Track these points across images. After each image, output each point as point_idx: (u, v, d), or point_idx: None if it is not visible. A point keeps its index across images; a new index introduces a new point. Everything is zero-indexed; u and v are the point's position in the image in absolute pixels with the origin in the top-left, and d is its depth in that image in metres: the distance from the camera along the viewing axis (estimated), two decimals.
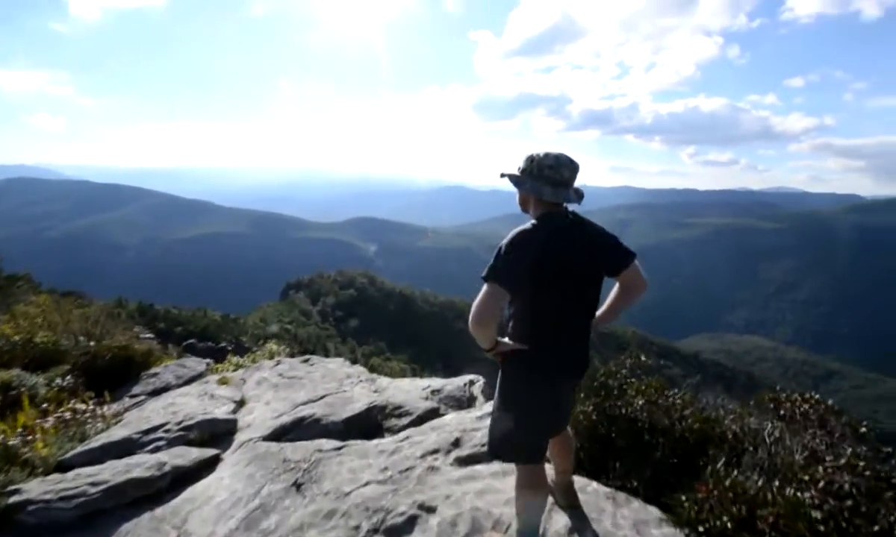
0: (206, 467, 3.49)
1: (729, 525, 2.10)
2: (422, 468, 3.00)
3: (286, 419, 4.03)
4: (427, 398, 4.42)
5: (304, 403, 4.34)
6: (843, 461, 2.10)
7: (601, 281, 2.11)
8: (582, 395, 3.34)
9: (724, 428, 3.02)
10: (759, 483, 2.29)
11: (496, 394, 2.16)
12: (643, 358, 3.68)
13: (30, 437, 3.72)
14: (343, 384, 4.86)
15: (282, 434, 3.86)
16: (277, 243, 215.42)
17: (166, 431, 3.84)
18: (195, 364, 6.16)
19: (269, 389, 4.92)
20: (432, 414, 4.10)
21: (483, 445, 3.11)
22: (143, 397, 5.12)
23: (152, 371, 5.77)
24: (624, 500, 2.57)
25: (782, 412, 2.85)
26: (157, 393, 5.22)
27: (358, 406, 4.20)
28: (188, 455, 3.50)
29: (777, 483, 2.29)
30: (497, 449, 2.19)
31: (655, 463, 2.92)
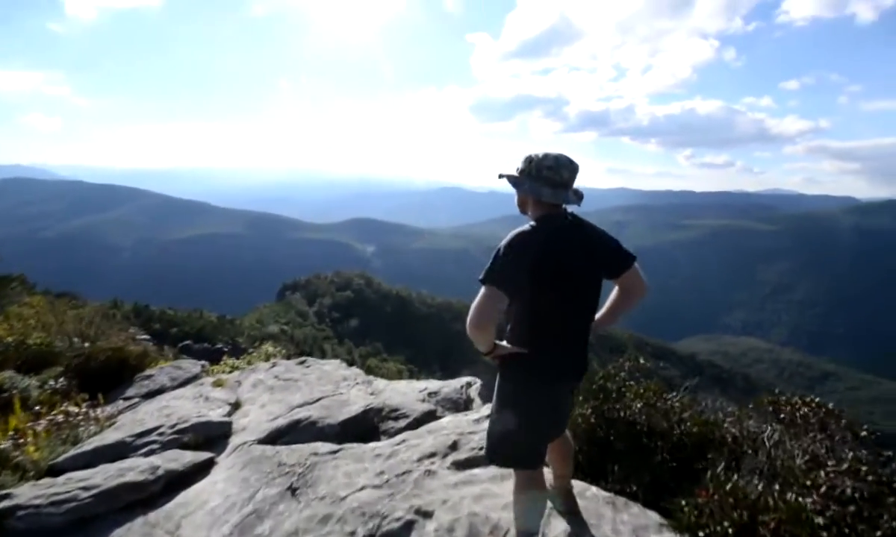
0: (200, 471, 3.45)
1: (730, 530, 2.07)
2: (418, 472, 2.96)
3: (281, 422, 3.99)
4: (424, 400, 4.39)
5: (300, 406, 4.30)
6: (845, 465, 2.08)
7: (601, 283, 2.08)
8: (580, 398, 3.31)
9: (723, 431, 2.99)
10: (760, 487, 2.27)
11: (494, 398, 2.13)
12: (641, 360, 3.65)
13: (21, 441, 3.68)
14: (339, 386, 4.82)
15: (277, 437, 3.82)
16: (274, 244, 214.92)
17: (160, 434, 3.80)
18: (190, 366, 6.12)
19: (264, 391, 4.88)
20: (429, 416, 4.06)
21: (480, 448, 3.08)
22: (137, 399, 5.08)
23: (146, 373, 5.73)
24: (623, 505, 2.54)
25: (782, 415, 2.83)
26: (151, 395, 5.17)
27: (354, 408, 4.16)
28: (182, 458, 3.46)
29: (777, 487, 2.27)
30: (495, 454, 2.16)
31: (654, 466, 2.89)
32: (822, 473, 2.09)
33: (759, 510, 2.03)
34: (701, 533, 2.18)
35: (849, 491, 2.01)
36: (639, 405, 3.13)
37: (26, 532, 2.70)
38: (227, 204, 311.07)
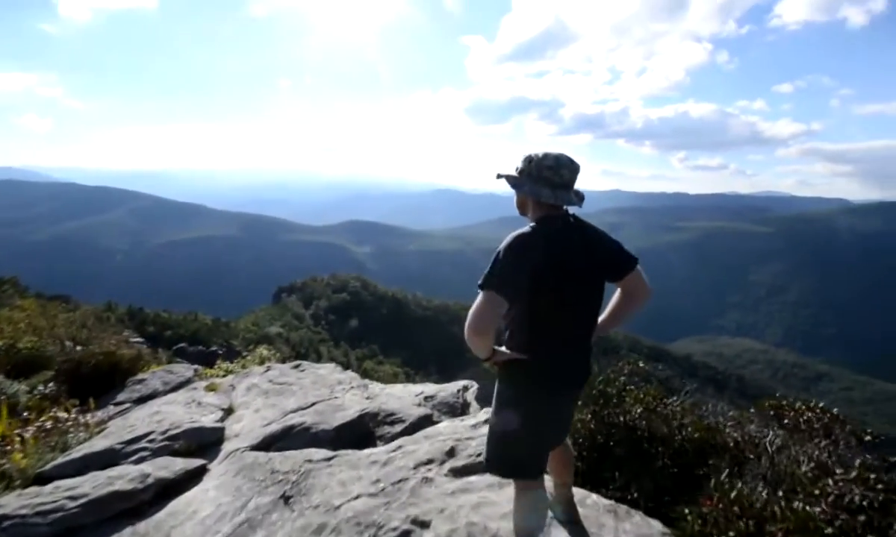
0: (191, 478, 3.37)
1: None
2: (415, 480, 2.89)
3: (275, 427, 3.92)
4: (420, 404, 4.32)
5: (294, 411, 4.23)
6: (853, 473, 2.02)
7: (603, 287, 2.01)
8: (580, 403, 3.26)
9: (724, 436, 2.95)
10: (765, 494, 2.22)
11: (493, 405, 2.06)
12: (641, 364, 3.61)
13: (8, 448, 3.59)
14: (334, 390, 4.75)
15: (271, 443, 3.75)
16: (269, 246, 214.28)
17: (151, 441, 3.72)
18: (183, 370, 6.03)
19: (258, 396, 4.81)
20: (426, 421, 4.00)
21: (478, 455, 3.02)
22: (128, 405, 4.99)
23: (139, 377, 5.64)
24: (625, 514, 2.48)
25: (786, 420, 2.78)
26: (143, 400, 5.09)
27: (349, 413, 4.09)
28: (173, 466, 3.38)
29: (781, 493, 2.22)
30: (495, 464, 2.08)
31: (655, 473, 2.84)
32: (831, 481, 2.03)
33: (765, 519, 1.98)
34: None
35: (857, 499, 1.96)
36: (639, 410, 3.09)
37: None
38: (222, 206, 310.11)
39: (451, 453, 3.16)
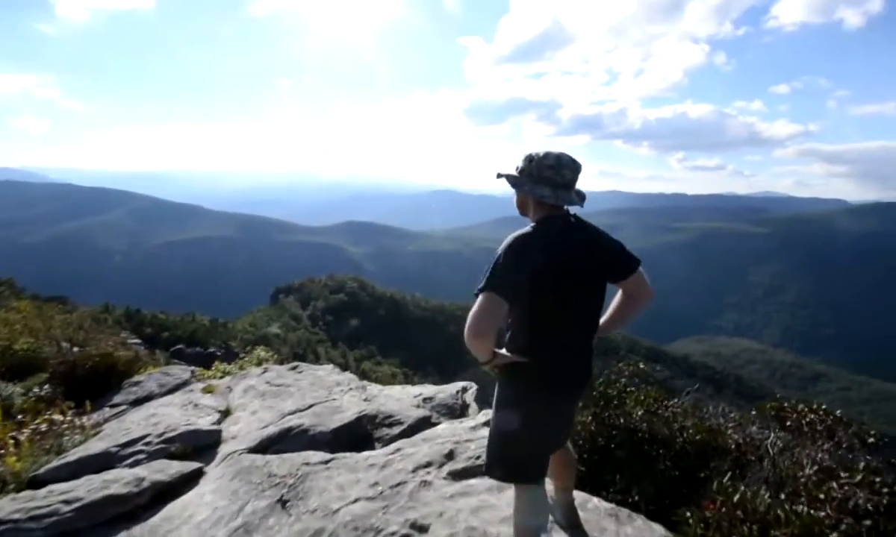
0: (187, 482, 3.33)
1: None
2: (414, 483, 2.85)
3: (273, 429, 3.88)
4: (419, 406, 4.29)
5: (292, 413, 4.19)
6: (858, 477, 1.99)
7: (604, 288, 1.98)
8: (580, 405, 3.23)
9: (726, 438, 2.92)
10: (767, 497, 2.19)
11: (493, 409, 2.03)
12: (641, 365, 3.58)
13: (2, 451, 3.55)
14: (332, 392, 4.71)
15: (268, 445, 3.71)
16: (266, 247, 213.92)
17: (146, 444, 3.68)
18: (180, 371, 5.99)
19: (255, 398, 4.77)
20: (424, 423, 3.97)
21: (477, 458, 2.99)
22: (124, 407, 4.95)
23: (135, 379, 5.60)
24: (626, 518, 2.44)
25: (788, 422, 2.75)
26: (139, 402, 5.05)
27: (347, 415, 4.06)
28: (169, 469, 3.34)
29: (784, 497, 2.20)
30: (495, 468, 2.04)
31: (656, 475, 2.81)
32: (835, 485, 2.01)
33: (769, 523, 1.95)
34: None
35: (861, 501, 1.93)
36: (640, 412, 3.06)
37: None
38: (220, 207, 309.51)
39: (450, 456, 3.13)
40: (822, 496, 2.00)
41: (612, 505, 2.56)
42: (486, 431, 3.06)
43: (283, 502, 2.81)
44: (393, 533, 2.42)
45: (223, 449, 3.76)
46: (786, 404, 3.03)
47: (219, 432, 4.05)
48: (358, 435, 3.90)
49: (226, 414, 4.52)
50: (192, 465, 3.47)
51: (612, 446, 3.02)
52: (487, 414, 3.76)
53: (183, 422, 4.04)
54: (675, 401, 3.24)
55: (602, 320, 2.09)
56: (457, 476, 2.93)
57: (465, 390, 4.63)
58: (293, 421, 3.98)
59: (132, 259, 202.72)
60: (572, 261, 1.85)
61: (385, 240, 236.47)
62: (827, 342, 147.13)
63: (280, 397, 4.67)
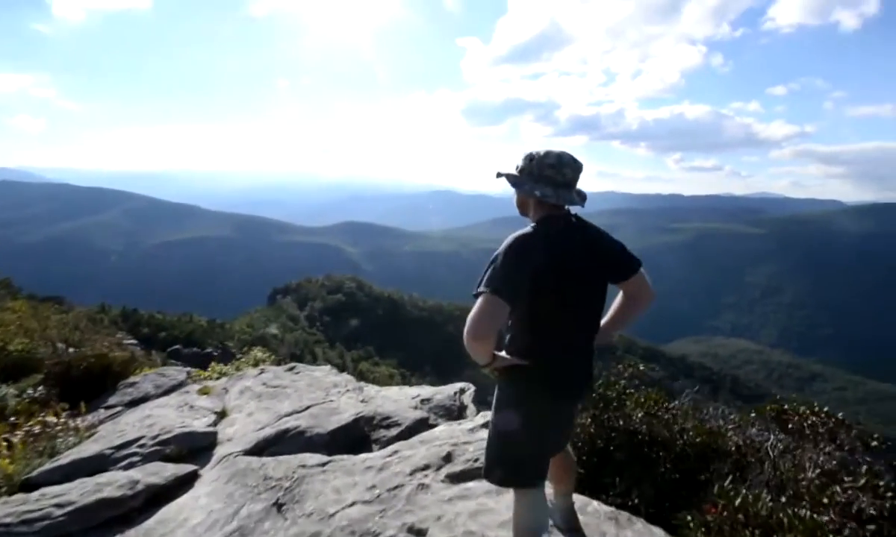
0: (182, 484, 3.30)
1: None
2: (411, 486, 2.82)
3: (269, 431, 3.85)
4: (416, 407, 4.27)
5: (289, 414, 4.16)
6: (861, 481, 1.97)
7: (605, 288, 1.95)
8: (579, 407, 3.20)
9: (726, 440, 2.90)
10: (769, 501, 2.16)
11: (493, 412, 1.99)
12: (641, 367, 3.56)
13: None
14: (329, 393, 4.68)
15: (264, 447, 3.68)
16: (264, 247, 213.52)
17: (141, 446, 3.65)
18: (175, 373, 5.95)
19: (252, 399, 4.73)
20: (422, 424, 3.94)
21: (476, 460, 2.95)
22: (119, 408, 4.92)
23: (130, 380, 5.56)
24: (626, 521, 2.42)
25: (790, 425, 2.73)
26: (134, 403, 5.01)
27: (344, 417, 4.03)
28: (163, 472, 3.31)
29: (785, 500, 2.17)
30: (495, 470, 2.00)
31: (657, 478, 2.79)
32: (839, 489, 1.98)
33: (772, 528, 1.92)
34: None
35: (865, 505, 1.90)
36: (640, 414, 3.03)
37: None
38: (217, 207, 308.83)
39: (447, 458, 3.09)
40: (825, 500, 1.97)
41: (612, 509, 2.53)
42: (484, 433, 3.02)
43: (278, 505, 2.77)
44: None
45: (219, 452, 3.72)
46: (786, 406, 3.00)
47: (214, 434, 4.02)
48: (355, 436, 3.87)
49: (222, 415, 4.49)
50: (187, 468, 3.43)
51: (612, 448, 2.99)
52: (486, 415, 3.73)
53: (178, 424, 4.00)
54: (676, 402, 3.21)
55: (603, 321, 2.05)
56: (455, 479, 2.90)
57: (462, 391, 4.60)
58: (290, 422, 3.95)
59: (129, 259, 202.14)
60: (573, 261, 1.82)
61: (383, 240, 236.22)
62: (824, 342, 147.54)
63: (276, 398, 4.63)
